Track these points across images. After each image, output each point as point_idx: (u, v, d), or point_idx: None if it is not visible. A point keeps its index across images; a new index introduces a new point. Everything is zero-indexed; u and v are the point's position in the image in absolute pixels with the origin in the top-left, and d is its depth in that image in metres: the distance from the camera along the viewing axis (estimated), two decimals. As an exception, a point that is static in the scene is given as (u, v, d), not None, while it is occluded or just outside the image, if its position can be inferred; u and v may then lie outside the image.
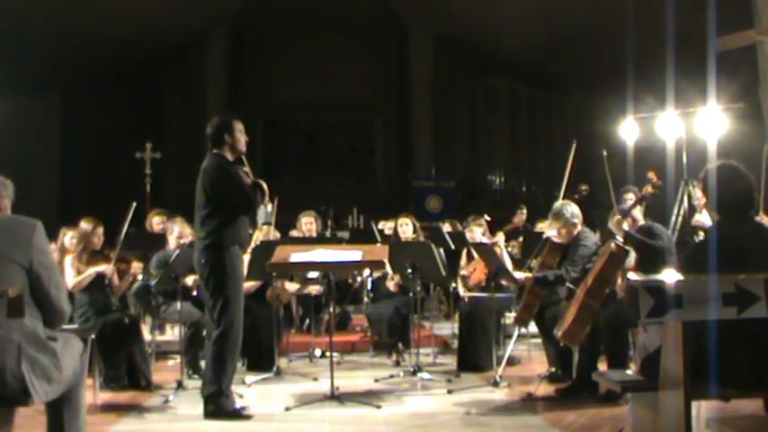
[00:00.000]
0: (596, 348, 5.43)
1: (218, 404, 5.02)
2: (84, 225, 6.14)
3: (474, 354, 6.68)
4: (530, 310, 5.88)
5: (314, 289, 7.51)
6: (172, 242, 6.82)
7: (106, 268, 5.99)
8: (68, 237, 6.65)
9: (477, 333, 6.68)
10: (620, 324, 5.17)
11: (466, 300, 6.98)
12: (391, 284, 7.41)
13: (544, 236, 6.18)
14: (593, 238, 5.87)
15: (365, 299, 8.11)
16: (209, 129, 5.29)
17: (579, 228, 5.86)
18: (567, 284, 5.61)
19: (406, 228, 7.55)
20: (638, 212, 5.55)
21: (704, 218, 6.72)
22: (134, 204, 6.32)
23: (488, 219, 7.84)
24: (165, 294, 6.59)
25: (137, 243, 7.33)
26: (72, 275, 5.91)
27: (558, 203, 6.02)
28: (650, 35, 10.89)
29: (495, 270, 6.23)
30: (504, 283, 6.54)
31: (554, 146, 18.52)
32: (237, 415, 5.03)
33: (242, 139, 5.28)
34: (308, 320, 8.02)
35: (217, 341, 5.06)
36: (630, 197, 5.96)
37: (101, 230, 6.17)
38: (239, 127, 5.29)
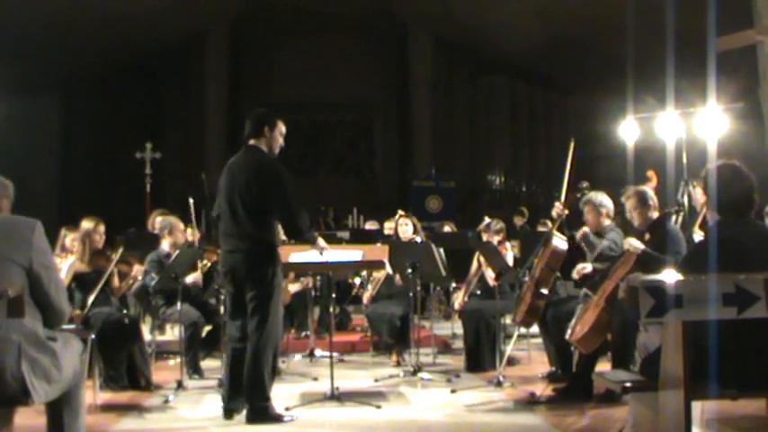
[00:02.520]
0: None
1: (267, 409, 4.91)
2: (86, 224, 6.14)
3: (478, 355, 6.67)
4: (535, 312, 5.75)
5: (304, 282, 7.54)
6: (166, 242, 6.80)
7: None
8: (69, 239, 6.64)
9: (481, 334, 6.68)
10: (630, 325, 5.13)
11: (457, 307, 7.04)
12: (365, 296, 7.49)
13: (545, 236, 6.16)
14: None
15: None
16: (250, 119, 5.12)
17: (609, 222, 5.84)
18: (585, 290, 5.56)
19: (405, 228, 7.53)
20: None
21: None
22: (121, 249, 6.07)
23: (488, 219, 7.83)
24: (165, 296, 6.58)
25: (137, 243, 7.31)
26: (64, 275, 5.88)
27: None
28: (650, 35, 10.88)
29: (499, 270, 6.22)
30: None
31: (554, 146, 18.49)
32: (281, 420, 4.93)
33: (280, 140, 5.15)
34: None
35: (259, 347, 4.82)
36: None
37: (102, 228, 6.16)
38: (282, 129, 5.15)
